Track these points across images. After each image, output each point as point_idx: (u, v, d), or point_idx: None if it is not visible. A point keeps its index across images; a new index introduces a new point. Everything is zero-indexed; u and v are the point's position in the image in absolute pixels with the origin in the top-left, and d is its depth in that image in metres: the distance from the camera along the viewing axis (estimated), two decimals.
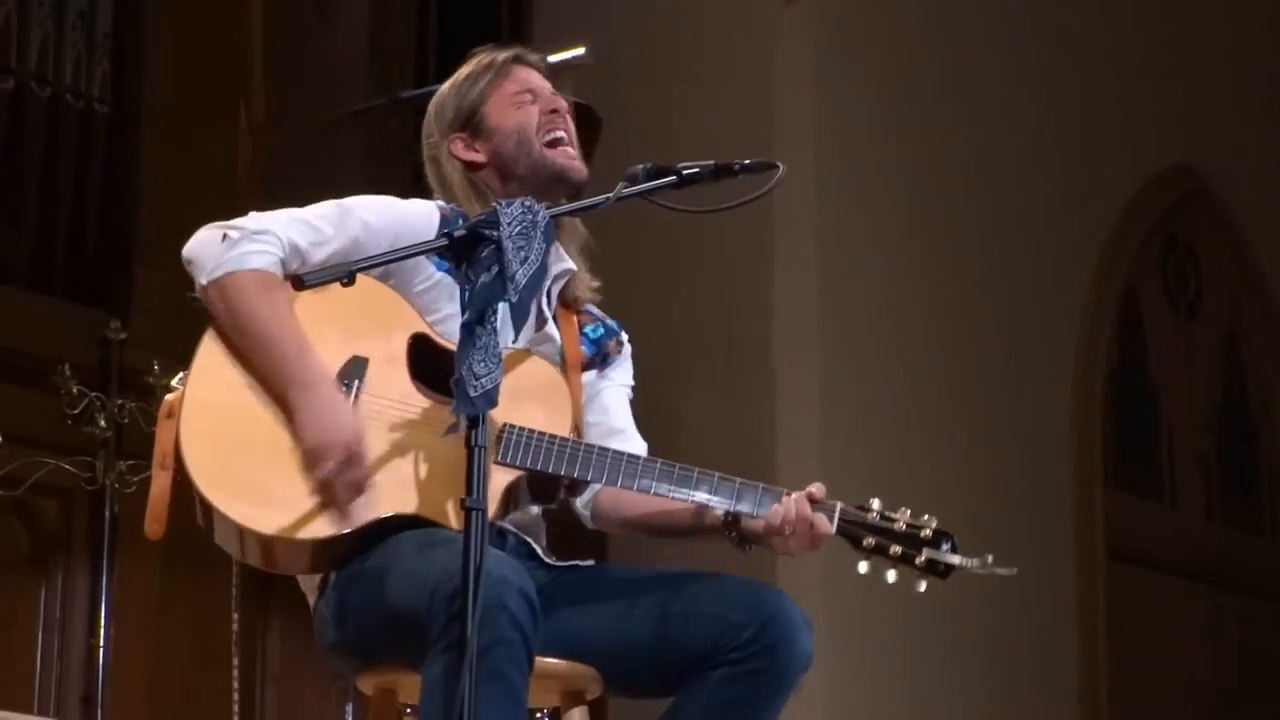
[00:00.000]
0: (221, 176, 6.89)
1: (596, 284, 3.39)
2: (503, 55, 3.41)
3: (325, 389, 3.05)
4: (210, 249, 3.12)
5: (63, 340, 6.30)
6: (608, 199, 3.15)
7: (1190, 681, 8.17)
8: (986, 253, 7.47)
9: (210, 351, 3.11)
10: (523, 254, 2.88)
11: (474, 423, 2.81)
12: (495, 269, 2.85)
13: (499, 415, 3.06)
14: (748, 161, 3.16)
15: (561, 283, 3.32)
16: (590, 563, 3.26)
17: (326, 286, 2.91)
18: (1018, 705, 7.18)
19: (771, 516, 3.10)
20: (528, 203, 2.94)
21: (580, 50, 4.77)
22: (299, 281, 2.85)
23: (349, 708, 5.91)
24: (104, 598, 6.13)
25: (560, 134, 3.33)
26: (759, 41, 7.12)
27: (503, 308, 2.89)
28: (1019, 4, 7.77)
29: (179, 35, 6.87)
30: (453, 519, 3.02)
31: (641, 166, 3.19)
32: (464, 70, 3.41)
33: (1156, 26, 8.25)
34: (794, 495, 3.12)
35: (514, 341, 3.12)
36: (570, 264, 3.32)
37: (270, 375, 3.07)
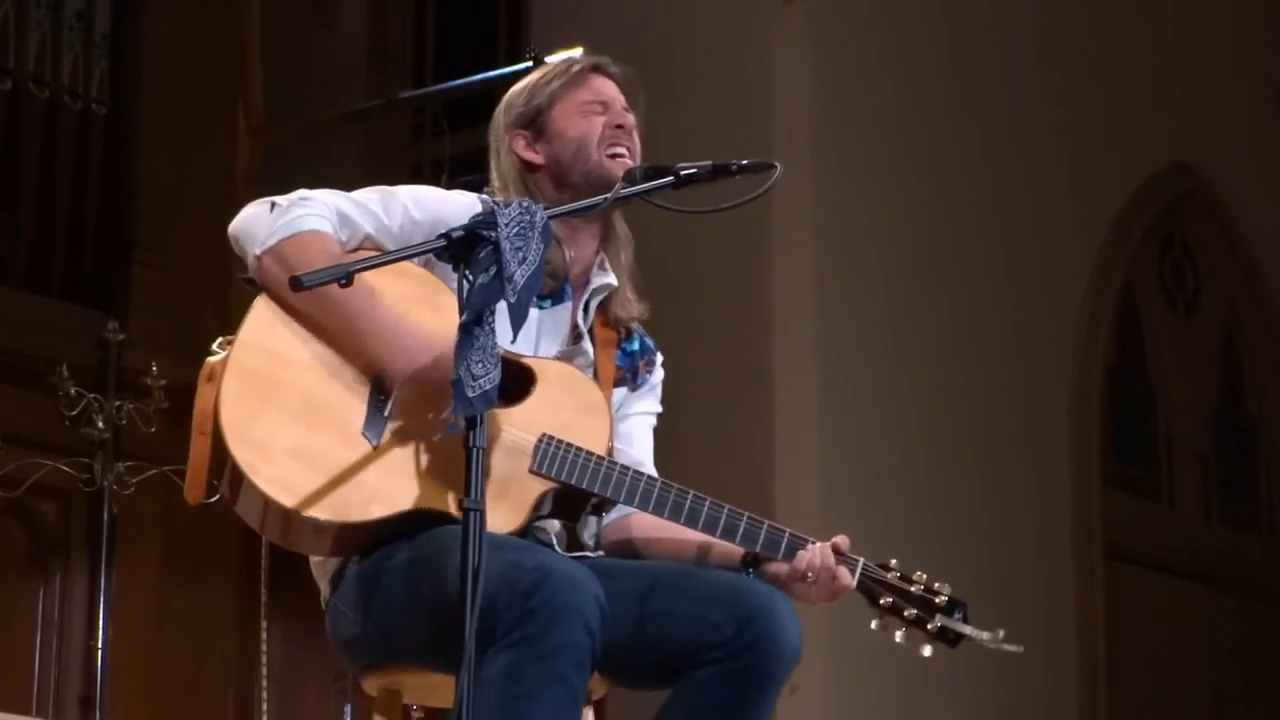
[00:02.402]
0: (220, 177, 6.90)
1: (641, 309, 3.35)
2: (582, 63, 3.37)
3: (404, 329, 3.04)
4: (260, 220, 3.10)
5: (61, 341, 6.30)
6: (605, 199, 3.16)
7: (1188, 681, 8.17)
8: (985, 252, 7.47)
9: (260, 319, 3.08)
10: (520, 254, 2.87)
11: (472, 423, 2.81)
12: (493, 270, 2.85)
13: (539, 424, 3.07)
14: (745, 162, 3.16)
15: (601, 296, 3.30)
16: (600, 554, 3.24)
17: (376, 283, 2.94)
18: (1016, 704, 7.18)
19: (797, 562, 3.10)
20: (525, 203, 2.93)
21: (578, 51, 4.76)
22: (296, 283, 2.82)
23: (348, 708, 5.91)
24: (102, 598, 6.13)
25: (622, 150, 3.28)
26: (757, 41, 7.12)
27: (500, 307, 2.88)
28: (1018, 3, 7.77)
29: (177, 36, 6.87)
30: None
31: (639, 167, 3.20)
32: (544, 71, 3.38)
33: (1155, 25, 8.25)
34: (820, 545, 3.12)
35: (513, 342, 3.12)
36: (612, 279, 3.30)
37: (342, 329, 3.05)
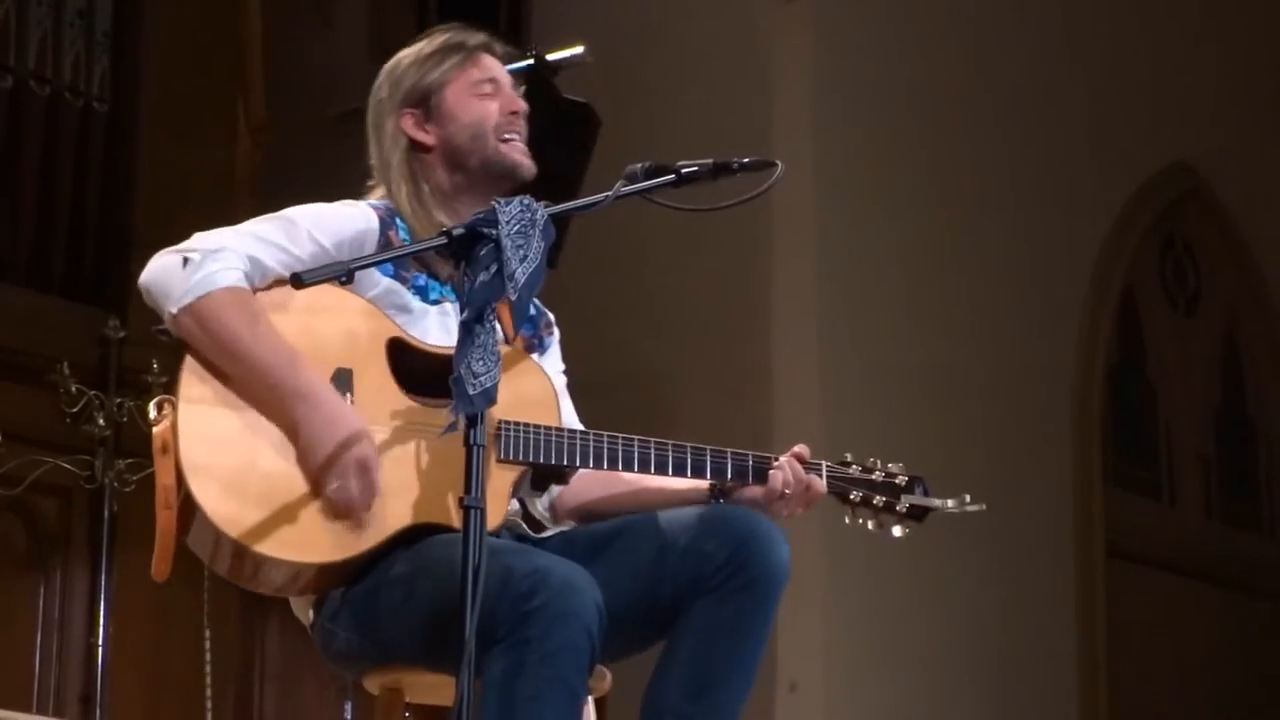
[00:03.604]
0: (220, 175, 6.90)
1: None
2: (473, 40, 3.36)
3: (326, 397, 3.01)
4: (173, 275, 3.04)
5: (61, 338, 6.31)
6: (606, 197, 3.15)
7: (1189, 680, 8.17)
8: (985, 251, 7.46)
9: (192, 378, 3.03)
10: (522, 252, 2.87)
11: (473, 421, 2.81)
12: (494, 268, 2.84)
13: (491, 412, 3.06)
14: (746, 160, 3.16)
15: None
16: (565, 527, 3.25)
17: (288, 302, 2.94)
18: (1017, 703, 7.19)
19: (772, 483, 3.16)
20: (526, 201, 2.93)
21: (579, 49, 4.74)
22: (297, 281, 2.82)
23: (348, 706, 5.91)
24: (103, 596, 6.13)
25: (514, 135, 3.28)
26: (758, 39, 7.12)
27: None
28: (1018, 4, 7.77)
29: (178, 34, 6.87)
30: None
31: (640, 165, 3.19)
32: (430, 44, 3.37)
33: (1157, 25, 8.24)
34: (786, 459, 3.19)
35: (512, 339, 3.11)
36: None
37: (264, 394, 3.01)
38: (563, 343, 3.41)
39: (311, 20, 8.19)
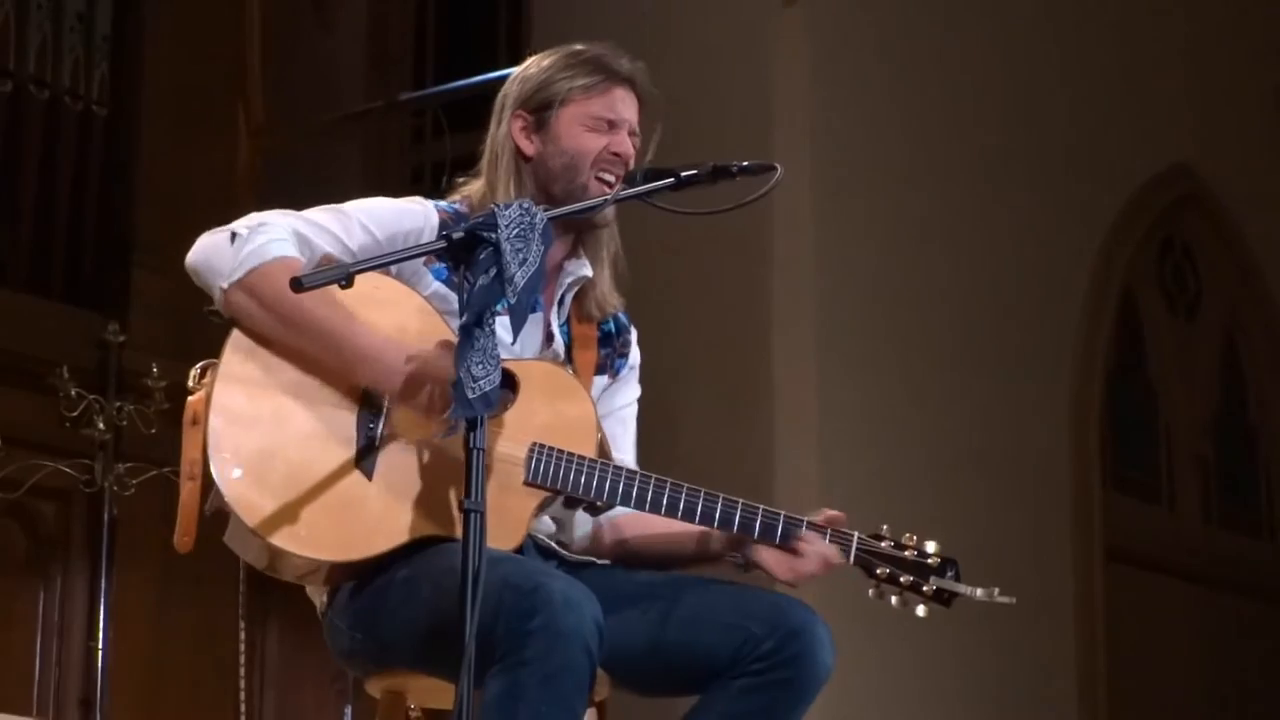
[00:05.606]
0: (220, 178, 6.90)
1: (617, 302, 3.29)
2: (617, 68, 3.29)
3: (385, 348, 3.00)
4: (221, 252, 3.04)
5: (61, 343, 6.30)
6: (605, 200, 3.15)
7: (1188, 684, 8.16)
8: (985, 255, 7.46)
9: (235, 353, 3.03)
10: (520, 256, 2.86)
11: (472, 425, 2.80)
12: (493, 271, 2.84)
13: (527, 431, 3.05)
14: (746, 163, 3.15)
15: (576, 288, 3.26)
16: (605, 562, 3.23)
17: (327, 289, 2.88)
18: (1016, 707, 7.18)
19: (796, 579, 3.11)
20: (525, 204, 2.91)
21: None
22: (296, 284, 2.80)
23: (348, 710, 5.91)
24: (102, 600, 6.13)
25: (610, 178, 3.21)
26: (758, 43, 7.11)
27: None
28: (1018, 6, 7.77)
29: (177, 37, 6.87)
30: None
31: (639, 168, 3.19)
32: (574, 54, 3.31)
33: (1157, 27, 8.24)
34: (816, 548, 3.11)
35: (513, 344, 3.10)
36: (587, 270, 3.25)
37: (327, 359, 3.01)
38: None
39: (311, 22, 8.20)
